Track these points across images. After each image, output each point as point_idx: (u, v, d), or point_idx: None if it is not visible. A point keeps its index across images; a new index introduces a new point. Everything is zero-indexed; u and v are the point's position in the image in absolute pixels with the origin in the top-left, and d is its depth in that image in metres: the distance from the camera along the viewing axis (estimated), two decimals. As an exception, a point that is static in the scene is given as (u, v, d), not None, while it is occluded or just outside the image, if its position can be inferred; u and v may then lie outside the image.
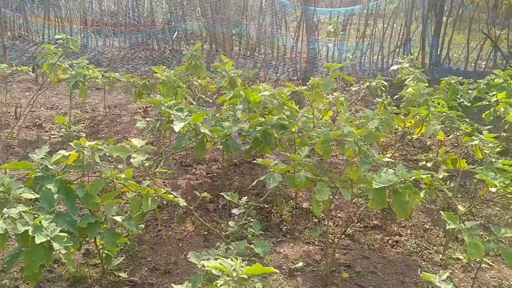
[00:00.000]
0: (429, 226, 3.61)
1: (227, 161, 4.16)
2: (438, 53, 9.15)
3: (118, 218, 2.34)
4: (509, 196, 2.67)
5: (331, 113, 3.89)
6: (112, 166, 3.18)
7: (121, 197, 3.37)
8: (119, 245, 2.77)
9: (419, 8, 8.93)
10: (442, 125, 3.46)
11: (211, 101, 4.67)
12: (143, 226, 3.11)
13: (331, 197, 2.67)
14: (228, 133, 2.97)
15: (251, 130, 3.02)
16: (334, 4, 9.55)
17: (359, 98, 6.17)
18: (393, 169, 2.40)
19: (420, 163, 4.00)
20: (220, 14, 8.50)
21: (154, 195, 2.49)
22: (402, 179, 2.30)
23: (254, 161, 2.73)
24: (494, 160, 2.88)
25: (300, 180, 2.49)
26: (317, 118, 3.92)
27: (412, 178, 2.36)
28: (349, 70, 8.42)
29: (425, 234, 3.49)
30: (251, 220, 2.70)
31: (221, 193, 2.70)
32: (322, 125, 3.02)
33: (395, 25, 8.90)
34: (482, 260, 2.40)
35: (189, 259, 2.13)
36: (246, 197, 2.72)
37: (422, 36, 8.76)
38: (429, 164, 3.88)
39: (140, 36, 8.74)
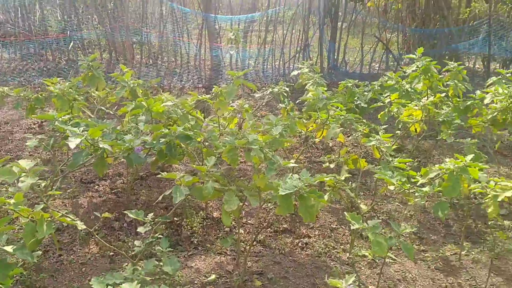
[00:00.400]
0: (336, 225, 3.73)
1: (132, 175, 3.99)
2: (336, 57, 9.57)
3: (9, 248, 2.12)
4: (406, 192, 2.83)
5: (237, 120, 3.89)
6: (4, 189, 2.91)
7: (14, 222, 3.10)
8: (14, 276, 2.53)
9: (316, 14, 9.28)
10: (341, 128, 3.60)
11: (112, 113, 4.47)
12: (40, 252, 2.87)
13: (241, 205, 2.65)
14: (130, 146, 2.84)
15: (154, 142, 2.91)
16: (235, 11, 9.63)
17: (264, 103, 6.27)
18: (298, 174, 2.44)
19: (324, 165, 4.13)
20: (119, 22, 8.21)
21: (49, 219, 2.30)
22: (306, 184, 2.34)
23: (159, 175, 2.63)
24: (390, 159, 3.04)
25: (208, 191, 2.44)
26: (223, 126, 3.90)
27: (316, 182, 2.41)
28: (253, 77, 8.52)
29: (332, 234, 3.60)
30: (159, 236, 2.60)
31: (125, 211, 2.57)
32: (227, 134, 2.99)
33: (294, 31, 9.18)
34: (385, 256, 2.51)
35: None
36: (153, 213, 2.62)
37: (319, 41, 9.11)
38: (332, 165, 4.01)
39: (32, 46, 8.17)
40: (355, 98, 5.06)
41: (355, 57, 10.38)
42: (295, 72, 5.53)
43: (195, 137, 2.87)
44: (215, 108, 3.49)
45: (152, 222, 2.47)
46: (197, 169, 2.67)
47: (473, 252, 3.35)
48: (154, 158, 3.34)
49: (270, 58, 8.81)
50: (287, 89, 4.38)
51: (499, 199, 2.49)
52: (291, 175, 2.41)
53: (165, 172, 2.60)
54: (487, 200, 2.62)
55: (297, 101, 4.88)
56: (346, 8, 9.80)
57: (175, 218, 3.47)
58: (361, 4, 10.24)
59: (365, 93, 5.18)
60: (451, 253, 3.35)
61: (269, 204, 3.79)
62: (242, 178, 4.14)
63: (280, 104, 4.36)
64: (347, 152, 4.58)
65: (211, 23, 8.15)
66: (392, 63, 10.15)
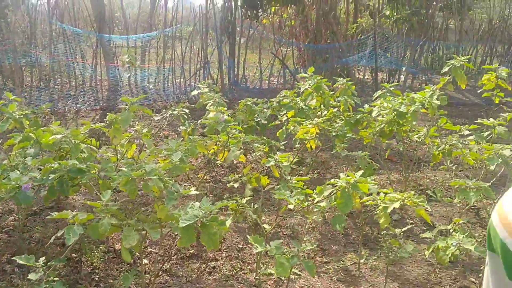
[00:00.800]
0: (243, 245, 3.76)
1: (24, 211, 3.70)
2: (236, 73, 9.73)
3: None
4: (305, 209, 2.93)
5: (135, 146, 3.78)
6: None
7: None
8: None
9: (214, 31, 9.38)
10: (241, 150, 3.66)
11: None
12: None
13: (142, 238, 2.57)
14: (17, 185, 2.65)
15: (44, 178, 2.73)
16: (131, 29, 9.42)
17: (166, 124, 6.18)
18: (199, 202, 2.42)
19: (228, 185, 4.16)
20: (5, 45, 7.64)
21: None
22: (208, 212, 2.33)
23: (48, 216, 2.47)
24: (289, 177, 3.14)
25: (104, 228, 2.33)
26: (121, 154, 3.77)
27: (217, 209, 2.41)
28: (153, 96, 8.38)
29: (239, 254, 3.62)
30: (54, 279, 2.43)
31: (14, 258, 2.37)
32: (124, 164, 2.90)
33: (194, 47, 9.21)
34: (288, 275, 2.57)
35: None
36: (49, 251, 2.46)
37: (218, 58, 9.21)
38: (236, 185, 4.04)
39: None
40: (255, 115, 5.17)
41: (255, 72, 10.63)
42: (195, 92, 5.52)
43: (89, 170, 2.75)
44: (110, 137, 3.37)
45: (45, 266, 2.31)
46: (91, 205, 2.55)
47: (370, 260, 3.55)
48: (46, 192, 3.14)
49: (171, 76, 8.73)
50: (187, 111, 4.35)
51: (389, 210, 2.66)
52: (192, 203, 2.38)
53: (56, 213, 2.45)
54: (378, 212, 2.79)
55: (200, 120, 4.87)
56: (243, 24, 10.03)
57: (73, 255, 3.28)
58: (257, 21, 10.55)
59: (265, 110, 5.31)
60: (351, 263, 3.52)
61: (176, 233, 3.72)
62: (145, 206, 4.03)
63: (180, 127, 4.32)
64: (251, 169, 4.65)
65: (106, 43, 7.90)
66: (289, 78, 10.52)
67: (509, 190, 0.75)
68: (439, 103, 4.00)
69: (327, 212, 4.11)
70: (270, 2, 10.34)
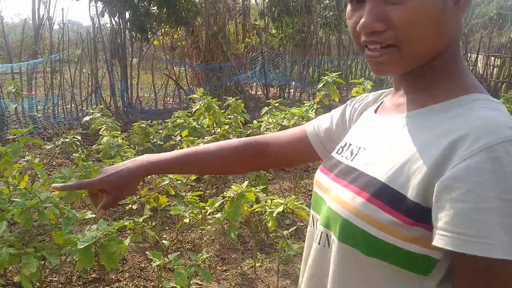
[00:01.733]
0: (145, 264, 3.87)
1: None
2: (130, 95, 9.73)
3: None
4: (200, 222, 3.15)
5: (27, 177, 3.75)
6: None
7: None
8: None
9: (106, 56, 9.33)
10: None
11: None
12: None
13: (42, 265, 2.62)
14: None
15: None
16: (14, 56, 9.05)
17: (59, 151, 6.07)
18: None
19: (127, 207, 4.25)
20: None
21: None
22: (105, 233, 2.47)
23: None
24: (184, 194, 3.35)
25: (2, 258, 2.36)
26: (13, 186, 3.72)
27: (116, 228, 2.55)
28: (43, 124, 8.11)
29: (142, 273, 3.73)
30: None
31: None
32: (17, 195, 2.91)
33: (84, 70, 9.07)
34: (188, 284, 2.77)
35: None
36: None
37: (110, 81, 9.17)
38: (134, 207, 4.15)
39: None
40: (151, 137, 5.31)
41: (149, 93, 10.69)
42: (86, 118, 5.53)
43: (-19, 204, 2.73)
44: (1, 169, 3.34)
45: None
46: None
47: (265, 263, 3.86)
48: None
49: (61, 102, 8.51)
50: (79, 137, 4.38)
51: (274, 214, 2.98)
52: (90, 226, 2.50)
53: None
54: (267, 217, 3.10)
55: (94, 146, 4.90)
56: (133, 45, 10.06)
57: (-33, 293, 3.19)
58: (147, 43, 10.64)
59: (160, 131, 5.47)
60: (248, 267, 3.80)
61: (74, 257, 3.73)
62: (42, 236, 3.99)
63: (74, 154, 4.34)
64: (150, 189, 4.77)
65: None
66: (184, 97, 10.73)
67: None
68: (314, 116, 4.47)
69: (225, 224, 4.39)
70: (159, 24, 10.49)
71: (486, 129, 0.71)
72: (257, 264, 3.79)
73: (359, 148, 0.96)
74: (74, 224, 2.57)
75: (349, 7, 0.85)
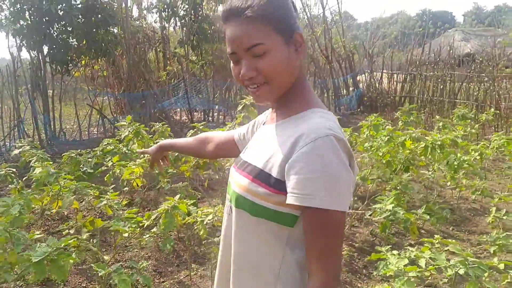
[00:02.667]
0: (85, 284, 4.12)
1: None
2: (53, 128, 9.73)
3: None
4: (138, 236, 3.50)
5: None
6: None
7: None
8: None
9: (27, 88, 9.31)
10: (74, 196, 4.05)
11: None
12: None
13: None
14: None
15: None
16: None
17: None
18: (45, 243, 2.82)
19: (64, 233, 4.46)
20: None
21: None
22: (55, 248, 2.76)
23: None
24: (121, 212, 3.67)
25: (-43, 281, 2.58)
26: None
27: (62, 245, 2.85)
28: (-37, 161, 7.95)
29: (84, 291, 3.98)
30: None
31: None
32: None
33: (6, 107, 8.99)
34: (131, 289, 3.10)
35: None
36: None
37: (33, 115, 9.16)
38: (72, 231, 4.38)
39: None
40: (81, 166, 5.53)
41: (73, 124, 10.71)
42: (16, 151, 5.64)
43: None
44: None
45: None
46: None
47: (199, 271, 4.24)
48: None
49: (-19, 139, 8.40)
50: (14, 169, 4.55)
51: (205, 222, 3.40)
52: (40, 244, 2.78)
53: None
54: (198, 226, 3.51)
55: (24, 178, 5.04)
56: (54, 80, 10.11)
57: None
58: (68, 75, 10.70)
59: (89, 159, 5.70)
60: (184, 276, 4.17)
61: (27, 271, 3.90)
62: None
63: (9, 186, 4.50)
64: (84, 216, 4.99)
65: None
66: (109, 126, 10.85)
67: None
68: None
69: (160, 241, 4.72)
70: (79, 56, 10.61)
71: (314, 129, 1.19)
72: (192, 273, 4.16)
73: (250, 147, 1.49)
74: (24, 244, 2.83)
75: (232, 64, 1.32)
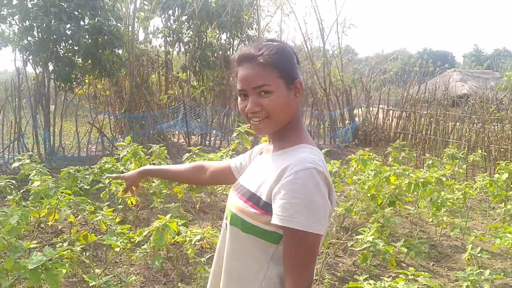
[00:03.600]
0: (75, 295, 4.27)
1: None
2: (52, 143, 9.93)
3: None
4: (130, 251, 3.67)
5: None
6: None
7: None
8: None
9: (30, 104, 9.54)
10: (71, 209, 4.24)
11: None
12: None
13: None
14: None
15: None
16: None
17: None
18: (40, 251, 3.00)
19: (57, 245, 4.62)
20: None
21: None
22: (49, 257, 2.94)
23: None
24: (114, 228, 3.86)
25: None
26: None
27: (57, 255, 3.03)
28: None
29: (73, 303, 4.13)
30: None
31: None
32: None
33: (5, 120, 9.21)
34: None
35: None
36: None
37: (34, 130, 9.38)
38: (65, 244, 4.54)
39: None
40: (78, 181, 5.72)
41: (72, 140, 10.90)
42: (16, 164, 5.84)
43: None
44: None
45: None
46: None
47: (186, 289, 4.40)
48: None
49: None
50: (14, 181, 4.75)
51: (193, 242, 3.58)
52: (36, 252, 2.96)
53: None
54: (186, 245, 3.69)
55: (22, 191, 5.23)
56: (57, 96, 10.37)
57: None
58: (71, 92, 10.97)
59: (87, 176, 5.89)
60: (171, 294, 4.32)
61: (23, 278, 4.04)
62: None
63: (8, 197, 4.68)
64: (77, 231, 5.16)
65: None
66: (108, 145, 11.06)
67: None
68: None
69: (149, 259, 4.87)
70: (84, 75, 10.90)
71: (299, 162, 1.44)
72: (178, 291, 4.32)
73: (246, 173, 1.74)
74: (21, 251, 3.01)
75: (239, 99, 1.57)
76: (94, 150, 11.15)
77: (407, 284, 3.32)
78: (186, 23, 13.42)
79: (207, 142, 12.90)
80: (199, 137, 13.25)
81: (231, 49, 14.26)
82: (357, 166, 5.96)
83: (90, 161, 9.35)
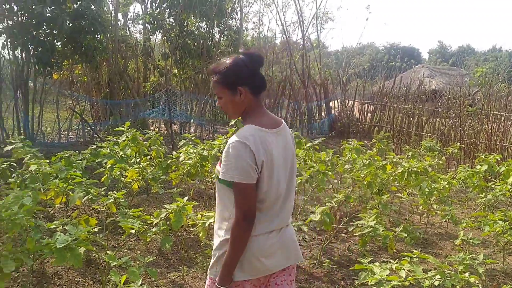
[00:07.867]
0: (79, 279, 4.27)
1: None
2: (32, 128, 9.73)
3: None
4: (143, 234, 3.72)
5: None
6: None
7: None
8: None
9: (10, 88, 9.32)
10: (84, 192, 4.22)
11: None
12: None
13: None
14: None
15: None
16: None
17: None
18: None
19: (58, 229, 4.59)
20: None
21: None
22: (74, 238, 2.97)
23: None
24: (127, 210, 3.88)
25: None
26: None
27: (82, 234, 3.05)
28: None
29: (78, 286, 4.14)
30: None
31: None
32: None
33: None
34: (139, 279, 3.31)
35: None
36: None
37: (16, 114, 9.17)
38: (67, 228, 4.52)
39: None
40: (74, 165, 5.66)
41: (53, 127, 10.70)
42: (8, 148, 5.74)
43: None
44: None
45: None
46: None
47: (190, 273, 4.47)
48: None
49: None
50: (15, 164, 4.68)
51: (206, 225, 3.66)
52: (60, 233, 2.97)
53: None
54: (198, 228, 3.76)
55: (14, 174, 5.13)
56: (36, 82, 10.12)
57: None
58: (50, 77, 10.71)
59: (79, 161, 5.84)
60: (176, 277, 4.38)
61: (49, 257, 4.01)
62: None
63: (9, 179, 4.61)
64: (79, 214, 5.12)
65: None
66: (87, 131, 10.90)
67: None
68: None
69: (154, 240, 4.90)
70: (64, 59, 10.64)
71: (232, 137, 2.05)
72: (184, 274, 4.38)
73: None
74: (41, 232, 3.01)
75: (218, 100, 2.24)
76: (73, 136, 10.98)
77: (412, 265, 3.49)
78: (167, 9, 13.29)
79: (186, 131, 12.86)
80: (179, 125, 13.21)
81: (211, 38, 14.22)
82: (351, 156, 6.13)
83: (71, 147, 9.21)
